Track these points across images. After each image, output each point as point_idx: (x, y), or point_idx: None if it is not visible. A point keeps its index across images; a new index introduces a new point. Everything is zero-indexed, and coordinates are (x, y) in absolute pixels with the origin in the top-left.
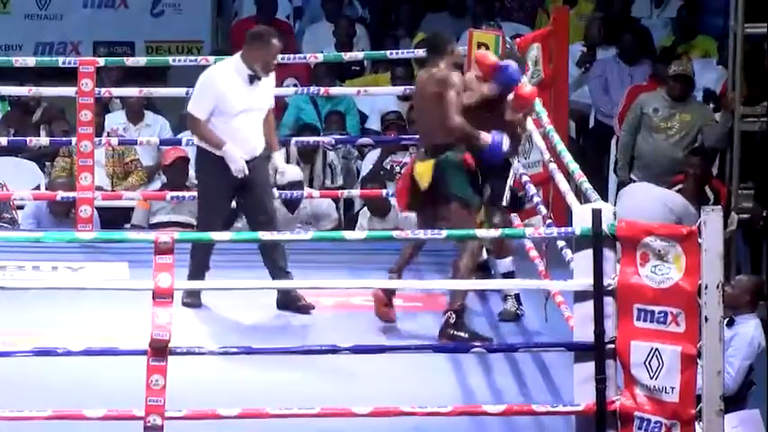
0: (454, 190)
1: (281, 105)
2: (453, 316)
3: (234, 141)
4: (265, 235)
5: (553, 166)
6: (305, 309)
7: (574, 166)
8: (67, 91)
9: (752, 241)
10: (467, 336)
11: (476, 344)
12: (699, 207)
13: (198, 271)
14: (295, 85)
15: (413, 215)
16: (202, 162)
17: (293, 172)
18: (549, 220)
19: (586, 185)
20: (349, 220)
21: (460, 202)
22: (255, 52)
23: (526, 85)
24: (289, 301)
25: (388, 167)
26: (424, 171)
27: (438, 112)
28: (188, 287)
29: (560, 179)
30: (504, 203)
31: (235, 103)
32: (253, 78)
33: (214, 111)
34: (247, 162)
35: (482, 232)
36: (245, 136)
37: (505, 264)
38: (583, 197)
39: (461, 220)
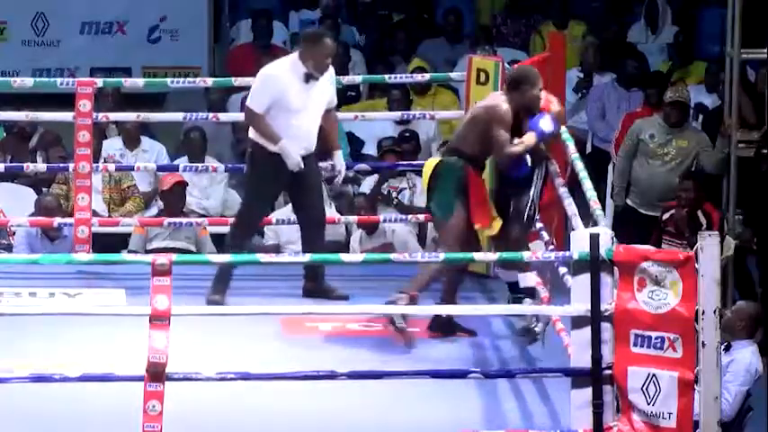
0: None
1: None
2: (405, 300)
3: (290, 138)
4: (264, 257)
5: (563, 189)
6: (341, 297)
7: (591, 194)
8: (64, 116)
9: (737, 267)
10: (402, 325)
11: (473, 369)
12: (692, 232)
13: (224, 275)
14: None
15: (402, 233)
16: (255, 157)
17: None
18: (551, 246)
19: (599, 212)
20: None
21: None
22: (308, 52)
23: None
24: (321, 291)
25: (386, 193)
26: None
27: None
28: (186, 312)
29: (570, 203)
30: (524, 219)
31: (292, 100)
32: (309, 77)
33: (272, 107)
34: (302, 159)
35: (480, 255)
36: (302, 133)
37: (526, 278)
38: (592, 222)
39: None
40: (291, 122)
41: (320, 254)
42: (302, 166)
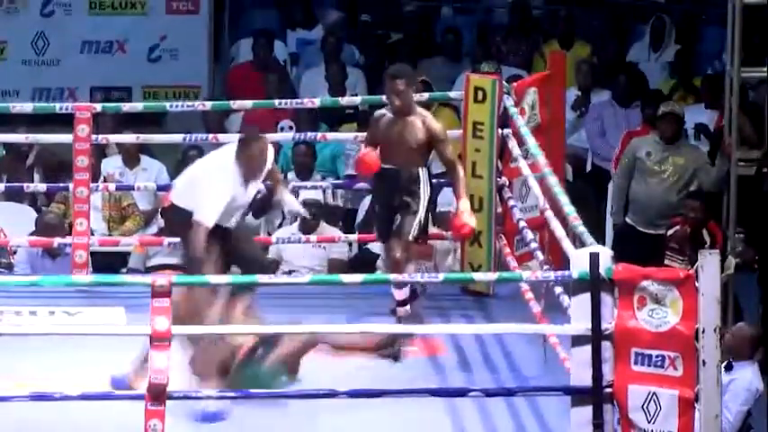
0: None
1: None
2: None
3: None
4: (262, 278)
5: (549, 211)
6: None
7: (569, 209)
8: (64, 138)
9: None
10: None
11: (473, 388)
12: (694, 250)
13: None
14: (290, 128)
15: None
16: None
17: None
18: (545, 265)
19: (581, 229)
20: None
21: None
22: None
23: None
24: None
25: None
26: None
27: None
28: (185, 332)
29: (556, 224)
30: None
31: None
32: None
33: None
34: None
35: (479, 275)
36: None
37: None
38: (578, 241)
39: None
40: None
41: None
42: None
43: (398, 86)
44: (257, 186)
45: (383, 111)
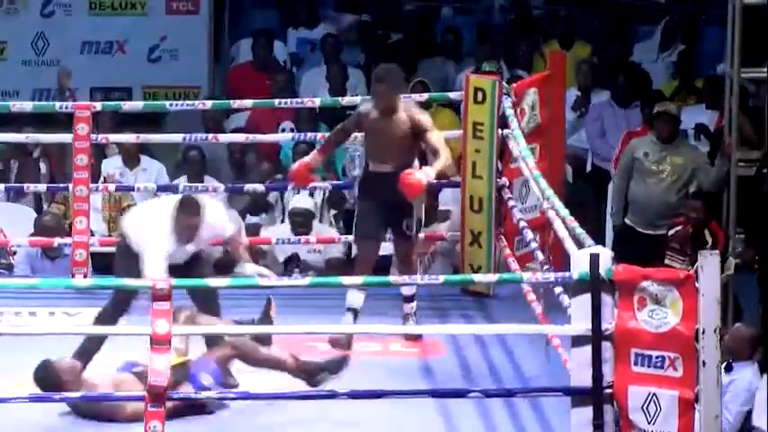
0: None
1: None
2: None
3: None
4: (263, 280)
5: (551, 211)
6: None
7: (564, 212)
8: (64, 137)
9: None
10: None
11: (473, 389)
12: (696, 251)
13: None
14: (292, 130)
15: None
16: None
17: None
18: (546, 265)
19: (579, 230)
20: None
21: None
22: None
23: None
24: None
25: None
26: None
27: None
28: (184, 332)
29: (558, 224)
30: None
31: None
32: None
33: None
34: None
35: (479, 277)
36: None
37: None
38: (577, 243)
39: None
40: None
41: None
42: None
43: (381, 89)
44: (198, 245)
45: (368, 106)
